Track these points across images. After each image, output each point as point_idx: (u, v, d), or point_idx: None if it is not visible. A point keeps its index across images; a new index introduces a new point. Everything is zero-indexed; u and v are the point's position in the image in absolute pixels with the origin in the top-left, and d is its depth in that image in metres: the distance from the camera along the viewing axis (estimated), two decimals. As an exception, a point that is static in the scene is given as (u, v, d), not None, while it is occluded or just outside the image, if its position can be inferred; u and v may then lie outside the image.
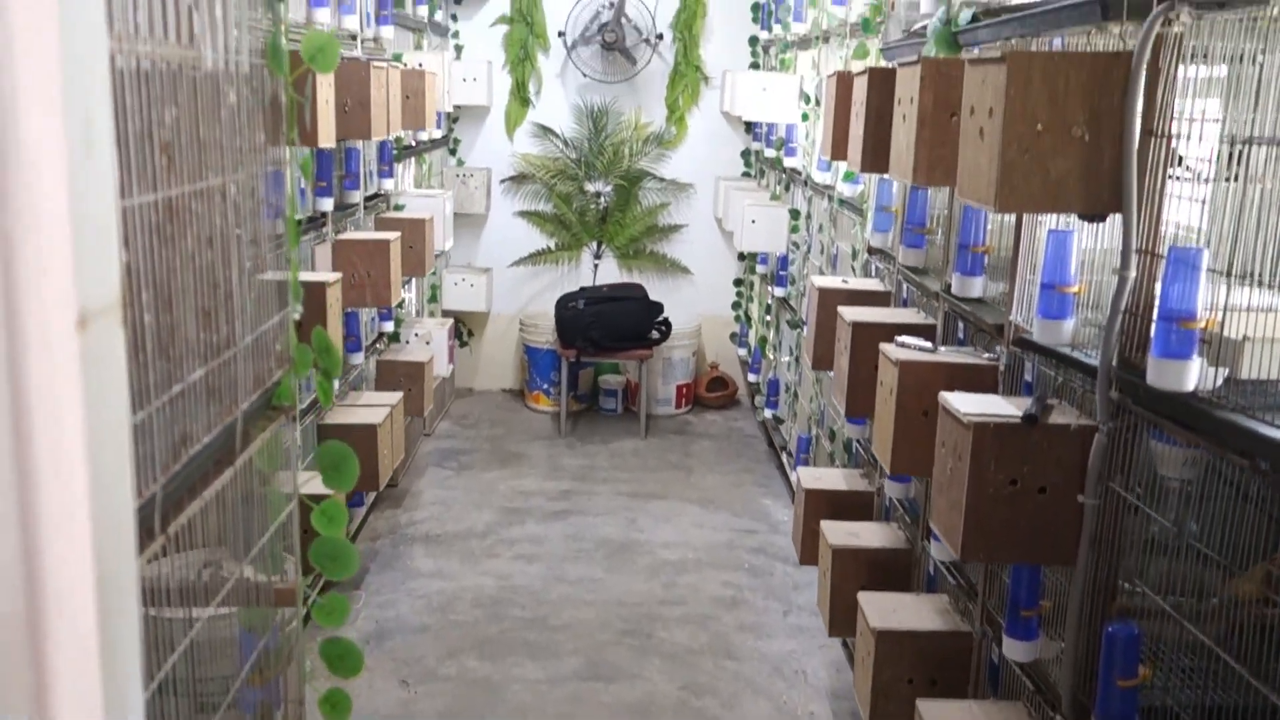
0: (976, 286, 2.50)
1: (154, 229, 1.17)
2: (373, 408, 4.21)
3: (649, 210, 6.91)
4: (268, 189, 1.56)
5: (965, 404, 2.01)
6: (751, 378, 6.48)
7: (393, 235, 4.23)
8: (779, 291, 5.50)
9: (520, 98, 6.73)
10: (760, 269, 6.13)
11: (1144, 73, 1.77)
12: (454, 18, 6.59)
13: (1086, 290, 2.03)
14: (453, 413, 6.65)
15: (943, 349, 2.51)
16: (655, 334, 6.38)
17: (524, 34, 6.61)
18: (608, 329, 6.23)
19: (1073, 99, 1.80)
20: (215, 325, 1.37)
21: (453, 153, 6.79)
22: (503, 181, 6.84)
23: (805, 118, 5.00)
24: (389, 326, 4.96)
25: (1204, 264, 1.62)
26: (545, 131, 6.77)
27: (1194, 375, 1.63)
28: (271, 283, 1.56)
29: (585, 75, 6.62)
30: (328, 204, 3.90)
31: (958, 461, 1.96)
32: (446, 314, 6.76)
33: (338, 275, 3.37)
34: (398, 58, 4.92)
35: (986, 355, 2.45)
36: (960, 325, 2.70)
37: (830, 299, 3.37)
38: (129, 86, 1.18)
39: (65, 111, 0.58)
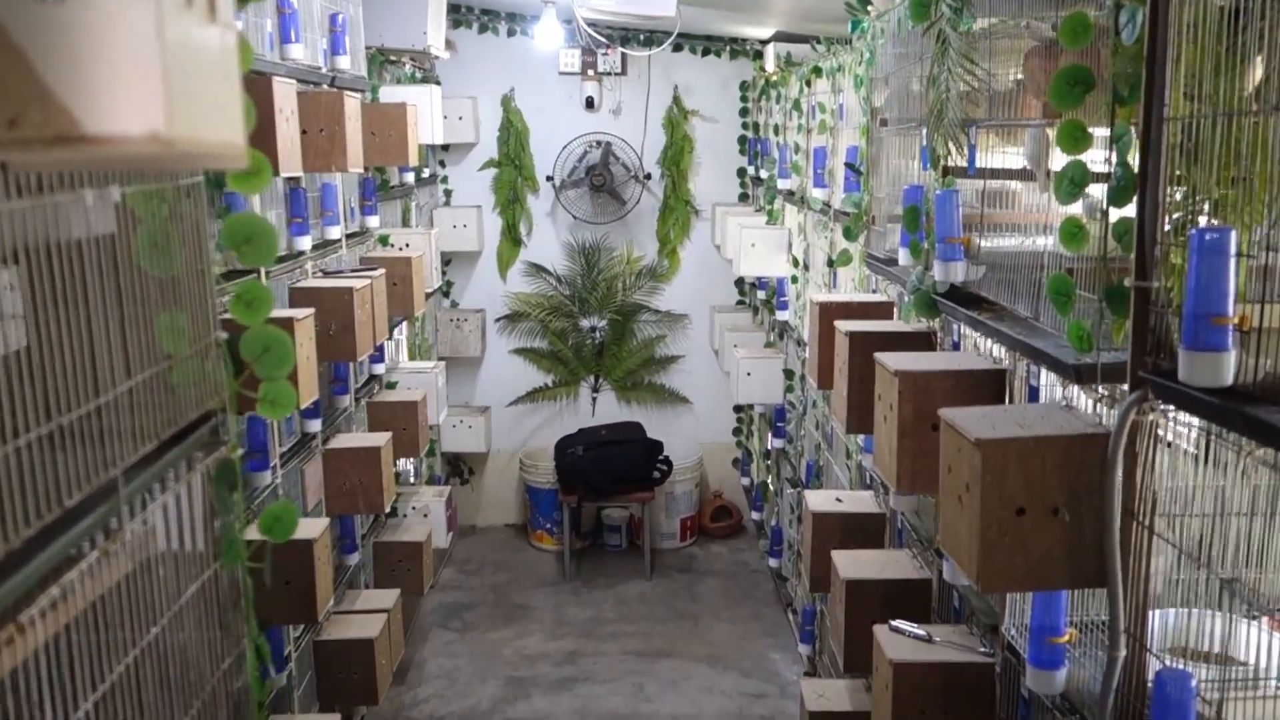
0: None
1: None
2: (369, 615, 4.14)
3: (645, 343, 6.89)
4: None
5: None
6: (755, 515, 6.42)
7: (383, 438, 4.20)
8: (777, 443, 5.45)
9: (511, 238, 6.73)
10: (760, 408, 6.09)
11: (1120, 459, 1.73)
12: (442, 164, 6.61)
13: (1079, 636, 1.98)
14: (456, 556, 6.59)
15: (938, 638, 2.46)
16: (656, 474, 6.33)
17: (513, 177, 6.63)
18: (608, 474, 6.19)
19: (1050, 480, 1.76)
20: None
21: (446, 295, 6.79)
22: (497, 320, 6.83)
23: (795, 280, 4.97)
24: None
25: (1193, 687, 1.58)
26: (538, 270, 6.76)
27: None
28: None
29: (575, 217, 6.62)
30: (316, 425, 3.87)
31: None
32: (445, 455, 6.73)
33: (324, 524, 3.32)
34: (384, 240, 4.91)
35: (983, 650, 2.40)
36: (956, 595, 2.65)
37: (824, 525, 3.33)
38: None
39: None
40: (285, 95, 2.98)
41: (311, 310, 3.20)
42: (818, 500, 3.43)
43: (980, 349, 2.45)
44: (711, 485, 6.99)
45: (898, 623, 2.51)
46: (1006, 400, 2.25)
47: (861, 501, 3.43)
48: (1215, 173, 1.64)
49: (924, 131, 2.87)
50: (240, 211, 3.01)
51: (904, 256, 2.88)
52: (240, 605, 1.47)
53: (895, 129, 3.25)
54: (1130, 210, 1.74)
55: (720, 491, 6.97)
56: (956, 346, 2.62)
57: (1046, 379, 2.08)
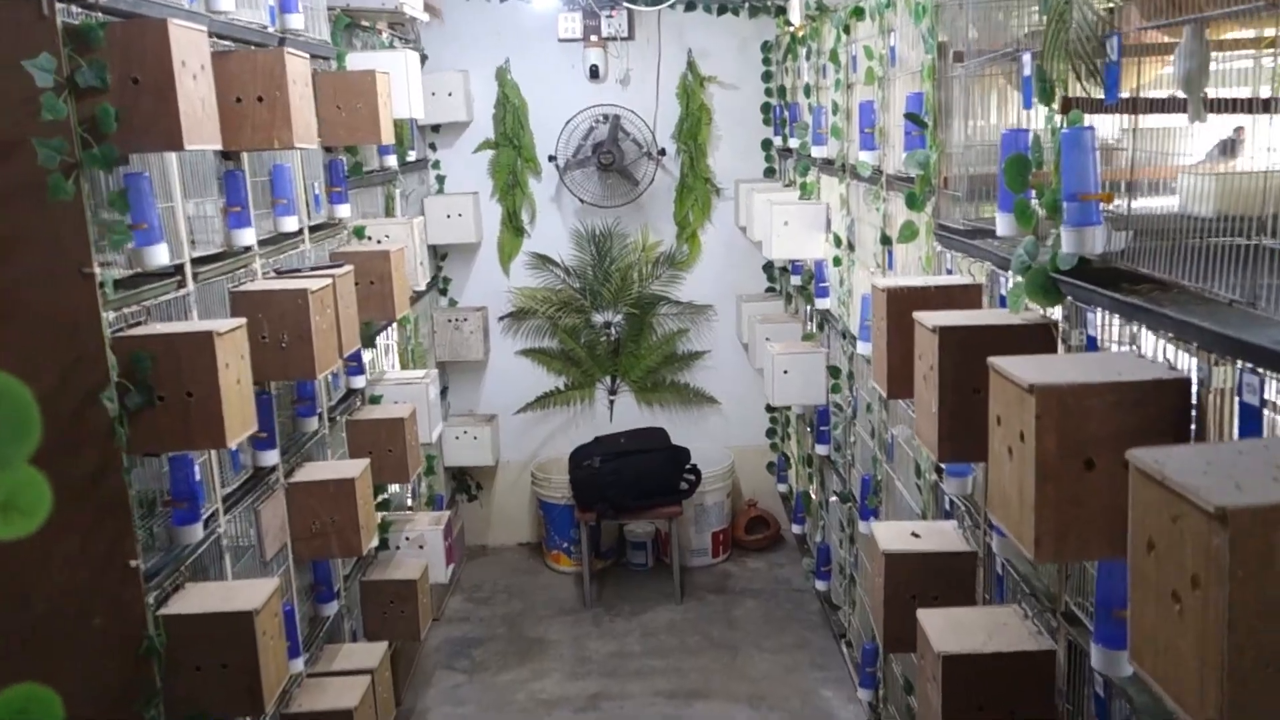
0: (1122, 662, 1.76)
1: None
2: (349, 677, 3.49)
3: (665, 338, 6.20)
4: None
5: None
6: (796, 528, 5.72)
7: (359, 467, 3.54)
8: (822, 449, 4.76)
9: (513, 227, 6.05)
10: (798, 408, 5.40)
11: None
12: (432, 147, 5.93)
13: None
14: (464, 582, 5.93)
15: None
16: (684, 485, 5.65)
17: (511, 158, 5.94)
18: (629, 488, 5.51)
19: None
20: None
21: (443, 292, 6.12)
22: (501, 319, 6.15)
23: (838, 262, 4.27)
24: (374, 542, 4.25)
25: None
26: (544, 261, 6.08)
27: None
28: None
29: (582, 201, 5.93)
30: (272, 457, 3.20)
31: None
32: (449, 470, 6.07)
33: (270, 587, 2.64)
34: (359, 232, 4.24)
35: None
36: (1100, 680, 1.95)
37: (900, 568, 2.64)
38: None
39: None
40: (190, 44, 2.30)
41: (240, 321, 2.53)
42: (889, 535, 2.74)
43: (1140, 347, 1.75)
44: (745, 493, 6.30)
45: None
46: (1193, 425, 1.56)
47: (944, 536, 2.73)
48: None
49: (1025, 59, 2.17)
50: (138, 196, 2.35)
51: (1005, 224, 2.18)
52: None
53: (977, 65, 2.55)
54: None
55: (755, 500, 6.27)
56: (1092, 344, 1.92)
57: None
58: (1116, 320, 1.82)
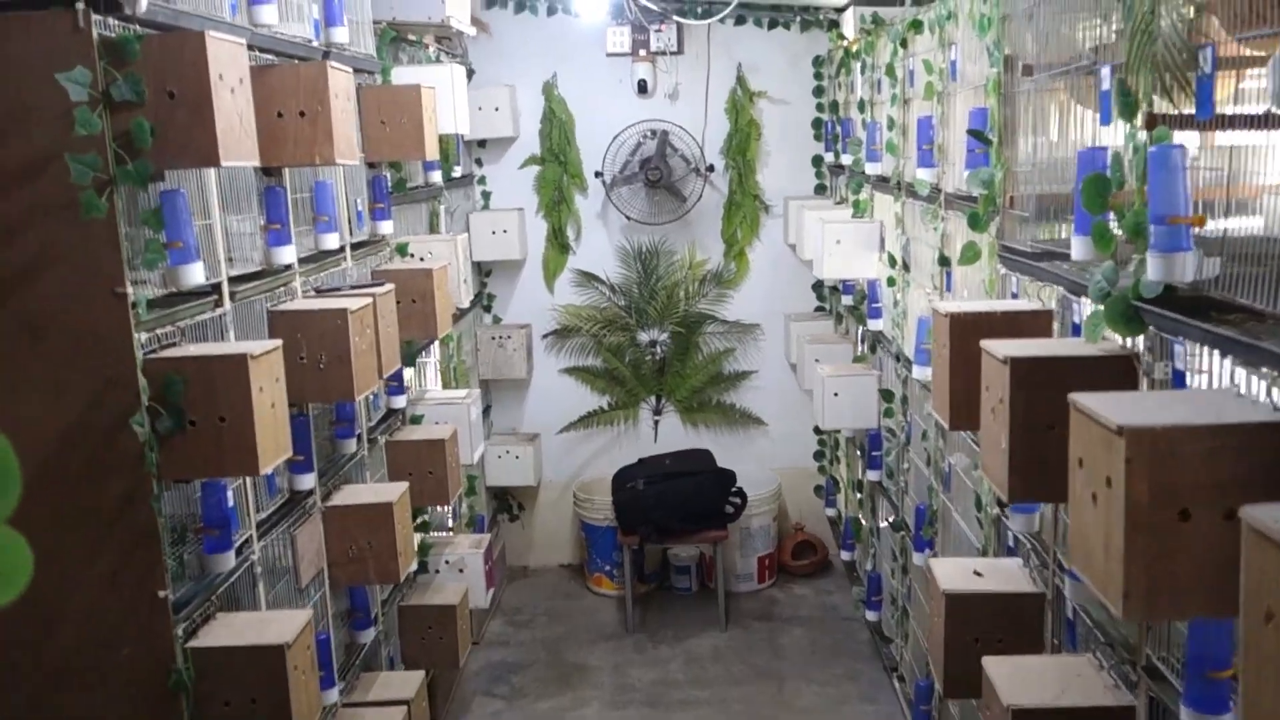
0: (1223, 726, 1.61)
1: None
2: (384, 707, 3.40)
3: (711, 357, 6.08)
4: None
5: None
6: (845, 555, 5.57)
7: (397, 491, 3.45)
8: (873, 475, 4.61)
9: (558, 244, 5.97)
10: (848, 431, 5.26)
11: None
12: (478, 162, 5.87)
13: None
14: (505, 604, 5.83)
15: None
16: (729, 509, 5.52)
17: (557, 174, 5.86)
18: (673, 510, 5.39)
19: None
20: None
21: (487, 309, 6.04)
22: (545, 336, 6.06)
23: (892, 282, 4.13)
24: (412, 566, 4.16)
25: None
26: (589, 279, 5.99)
27: None
28: None
29: (629, 218, 5.83)
30: (308, 481, 3.12)
31: None
32: (491, 490, 5.99)
33: (303, 619, 2.56)
34: (402, 250, 4.17)
35: None
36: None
37: (962, 609, 2.49)
38: None
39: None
40: (228, 57, 2.23)
41: (276, 343, 2.45)
42: (949, 573, 2.60)
43: (1238, 385, 1.61)
44: (792, 517, 6.15)
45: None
46: (1303, 472, 1.41)
47: (1008, 575, 2.59)
48: None
49: (1104, 72, 2.04)
50: (173, 214, 2.28)
51: (1080, 248, 2.04)
52: None
53: (1046, 78, 2.42)
54: None
55: (802, 524, 6.13)
56: (1180, 380, 1.78)
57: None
58: (1205, 353, 1.68)
